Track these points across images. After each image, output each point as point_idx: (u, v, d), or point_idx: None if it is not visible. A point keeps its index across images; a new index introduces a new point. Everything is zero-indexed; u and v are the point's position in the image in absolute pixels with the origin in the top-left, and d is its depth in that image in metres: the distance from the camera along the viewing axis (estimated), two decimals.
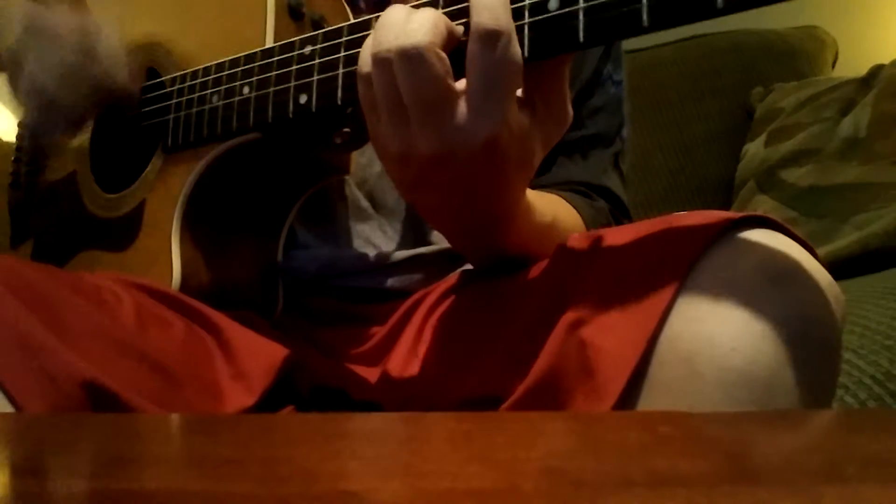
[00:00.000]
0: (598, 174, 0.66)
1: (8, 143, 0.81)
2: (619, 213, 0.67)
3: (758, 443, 0.26)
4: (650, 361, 0.36)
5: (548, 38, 0.39)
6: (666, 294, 0.37)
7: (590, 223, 0.60)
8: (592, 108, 0.65)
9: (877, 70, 1.15)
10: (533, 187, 0.62)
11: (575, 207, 0.60)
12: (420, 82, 0.38)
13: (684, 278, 0.37)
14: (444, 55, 0.38)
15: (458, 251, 0.57)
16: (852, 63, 1.41)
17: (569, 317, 0.40)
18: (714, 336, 0.35)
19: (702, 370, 0.35)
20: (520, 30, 0.39)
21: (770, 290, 0.36)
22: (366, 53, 0.41)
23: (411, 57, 0.38)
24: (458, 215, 0.47)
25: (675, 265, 0.37)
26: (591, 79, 0.65)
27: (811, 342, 0.36)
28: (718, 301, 0.36)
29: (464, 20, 0.40)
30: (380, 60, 0.39)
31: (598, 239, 0.44)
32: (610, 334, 0.38)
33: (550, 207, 0.55)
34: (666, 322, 0.37)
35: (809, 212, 1.05)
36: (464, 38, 0.40)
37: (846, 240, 0.94)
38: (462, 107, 0.39)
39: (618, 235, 0.43)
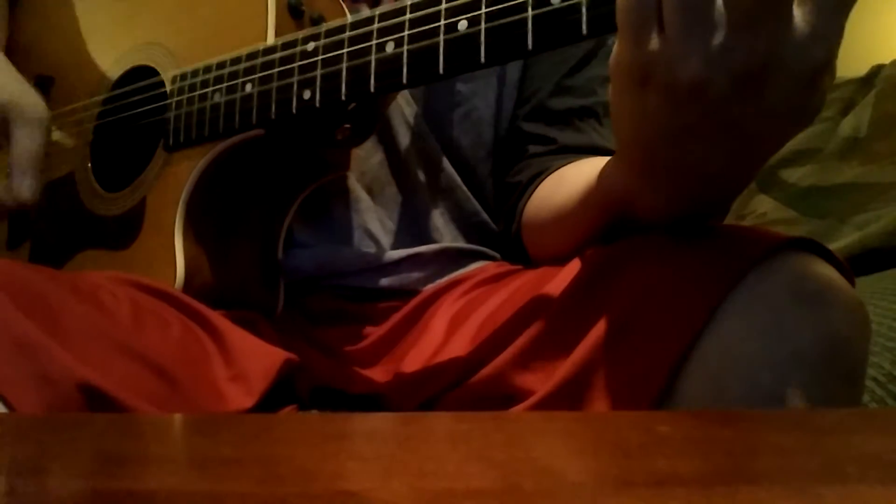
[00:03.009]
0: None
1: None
2: None
3: (758, 443, 0.26)
4: (678, 376, 0.37)
5: None
6: (701, 312, 0.37)
7: None
8: (601, 77, 0.65)
9: (877, 70, 1.15)
10: (557, 150, 0.61)
11: None
12: None
13: (720, 297, 0.37)
14: None
15: (654, 212, 0.44)
16: (852, 63, 1.41)
17: (601, 326, 0.40)
18: (743, 355, 0.35)
19: (729, 388, 0.35)
20: None
21: (801, 311, 0.36)
22: None
23: None
24: (709, 175, 0.38)
25: (714, 285, 0.37)
26: (593, 50, 0.65)
27: (839, 365, 0.36)
28: (749, 321, 0.36)
29: None
30: None
31: (636, 246, 0.43)
32: (642, 347, 0.38)
33: None
34: (697, 338, 0.37)
35: (809, 212, 1.05)
36: None
37: (846, 240, 0.94)
38: (799, 18, 0.31)
39: (657, 245, 0.42)
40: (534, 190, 0.60)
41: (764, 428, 0.29)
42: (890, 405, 0.60)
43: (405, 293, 0.61)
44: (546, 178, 0.59)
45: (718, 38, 0.31)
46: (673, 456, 0.23)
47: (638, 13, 0.33)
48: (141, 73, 0.63)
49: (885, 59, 1.16)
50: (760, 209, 1.12)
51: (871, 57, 1.30)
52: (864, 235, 0.91)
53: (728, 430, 0.28)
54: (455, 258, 0.64)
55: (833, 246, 0.93)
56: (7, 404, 0.36)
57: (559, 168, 0.58)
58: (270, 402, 0.50)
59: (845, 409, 0.38)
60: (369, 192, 0.63)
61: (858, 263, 0.88)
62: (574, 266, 0.47)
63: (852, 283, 0.39)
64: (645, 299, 0.39)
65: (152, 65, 0.63)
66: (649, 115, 0.35)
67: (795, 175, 1.11)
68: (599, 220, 0.49)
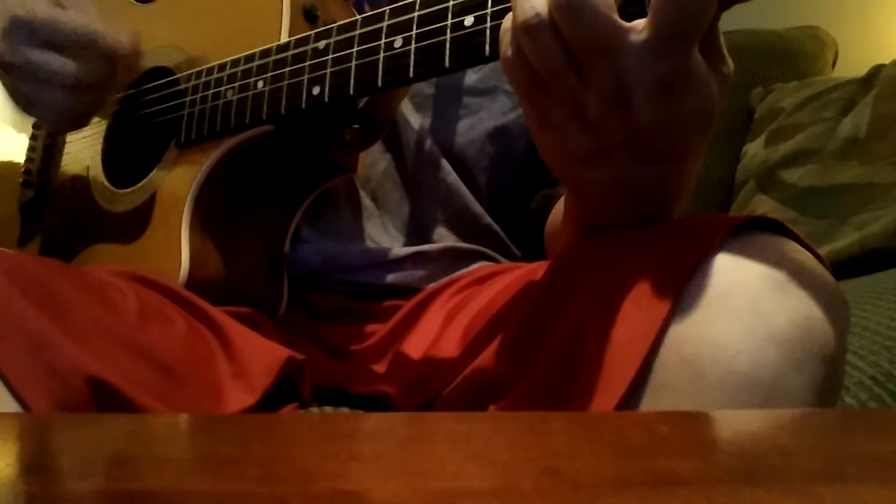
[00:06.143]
0: None
1: (19, 145, 0.81)
2: None
3: (757, 443, 0.26)
4: (654, 363, 0.36)
5: None
6: (671, 294, 0.37)
7: None
8: None
9: (877, 70, 1.15)
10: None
11: None
12: (585, 27, 0.35)
13: (689, 280, 0.37)
14: None
15: (594, 226, 0.48)
16: (852, 63, 1.41)
17: (575, 312, 0.40)
18: (719, 339, 0.35)
19: (705, 373, 0.35)
20: None
21: (775, 294, 0.36)
22: (506, 37, 0.38)
23: (570, 3, 0.34)
24: (631, 189, 0.42)
25: (682, 266, 0.37)
26: None
27: (816, 347, 0.36)
28: (724, 304, 0.36)
29: None
30: (534, 27, 0.36)
31: (608, 237, 0.44)
32: (616, 331, 0.38)
33: None
34: (670, 323, 0.36)
35: (809, 212, 1.05)
36: None
37: (846, 240, 0.94)
38: (636, 43, 0.35)
39: (627, 235, 0.43)
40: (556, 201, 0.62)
41: (763, 428, 0.29)
42: (889, 404, 0.60)
43: (409, 291, 0.62)
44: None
45: (581, 78, 0.37)
46: (673, 456, 0.23)
47: (520, 83, 0.38)
48: (158, 75, 0.64)
49: (885, 59, 1.16)
50: (760, 209, 1.13)
51: (871, 57, 1.30)
52: (863, 236, 0.91)
53: (728, 430, 0.28)
54: (459, 257, 0.64)
55: (833, 246, 0.93)
56: (16, 395, 0.36)
57: None
58: (272, 400, 0.50)
59: (845, 409, 0.38)
60: (374, 198, 0.63)
61: (858, 264, 0.88)
62: (559, 259, 0.47)
63: (822, 263, 0.39)
64: (618, 283, 0.39)
65: (169, 66, 0.63)
66: (562, 151, 0.41)
67: (795, 175, 1.11)
68: (579, 234, 0.51)
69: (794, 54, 1.39)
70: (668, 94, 0.36)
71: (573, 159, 0.41)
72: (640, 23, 0.35)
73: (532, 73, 0.38)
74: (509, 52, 0.38)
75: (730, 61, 0.40)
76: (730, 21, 0.40)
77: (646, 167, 0.40)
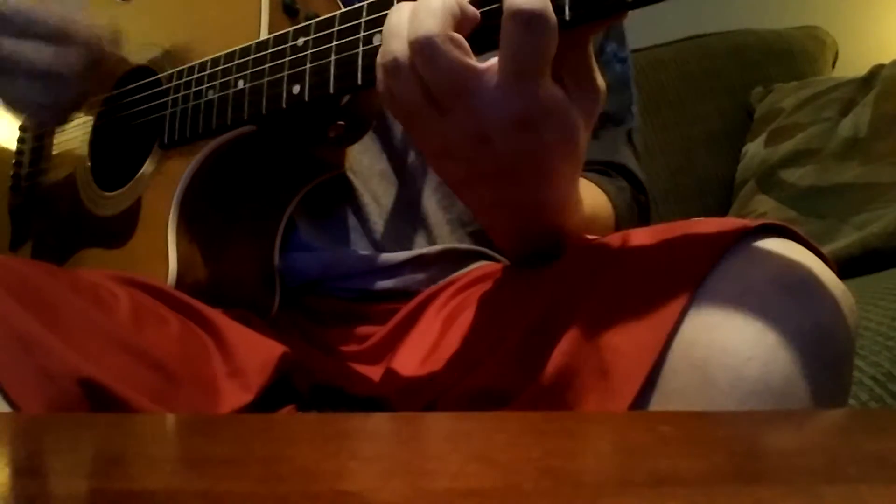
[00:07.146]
0: (611, 152, 0.66)
1: (7, 149, 0.81)
2: (637, 190, 0.67)
3: (758, 443, 0.26)
4: (663, 368, 0.36)
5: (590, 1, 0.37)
6: (681, 299, 0.37)
7: (619, 206, 0.62)
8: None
9: (877, 70, 1.15)
10: None
11: (605, 192, 0.61)
12: (439, 70, 0.37)
13: (699, 285, 0.37)
14: (458, 37, 0.37)
15: (503, 247, 0.56)
16: (852, 63, 1.41)
17: (583, 317, 0.40)
18: (729, 345, 0.35)
19: (715, 378, 0.35)
20: None
21: (785, 299, 0.36)
22: (380, 70, 0.40)
23: (423, 48, 0.37)
24: (510, 207, 0.46)
25: (691, 271, 0.37)
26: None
27: (825, 352, 0.36)
28: (734, 309, 0.36)
29: None
30: (394, 69, 0.39)
31: (615, 241, 0.44)
32: (625, 336, 0.38)
33: (588, 193, 0.55)
34: (680, 329, 0.36)
35: (809, 212, 1.05)
36: (494, 6, 0.39)
37: (846, 240, 0.94)
38: (489, 85, 0.38)
39: (634, 239, 0.42)
40: None
41: (765, 428, 0.29)
42: (889, 404, 0.60)
43: (407, 294, 0.61)
44: None
45: (443, 116, 0.39)
46: (674, 456, 0.23)
47: (397, 112, 0.41)
48: (141, 74, 0.64)
49: (885, 59, 1.16)
50: (760, 209, 1.13)
51: (871, 57, 1.30)
52: (864, 236, 0.91)
53: (729, 430, 0.28)
54: (457, 259, 0.64)
55: (833, 246, 0.93)
56: (8, 399, 0.36)
57: None
58: (270, 401, 0.50)
59: (846, 409, 0.38)
60: (375, 199, 0.63)
61: (859, 263, 0.88)
62: (562, 263, 0.47)
63: (831, 267, 0.39)
64: (627, 288, 0.39)
65: (150, 65, 0.63)
66: (438, 172, 0.46)
67: (795, 175, 1.11)
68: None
69: (794, 54, 1.39)
70: (523, 129, 0.39)
71: (454, 182, 0.45)
72: (495, 64, 0.38)
73: (402, 108, 0.40)
74: (381, 87, 0.40)
75: (600, 82, 0.42)
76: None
77: (518, 189, 0.43)
